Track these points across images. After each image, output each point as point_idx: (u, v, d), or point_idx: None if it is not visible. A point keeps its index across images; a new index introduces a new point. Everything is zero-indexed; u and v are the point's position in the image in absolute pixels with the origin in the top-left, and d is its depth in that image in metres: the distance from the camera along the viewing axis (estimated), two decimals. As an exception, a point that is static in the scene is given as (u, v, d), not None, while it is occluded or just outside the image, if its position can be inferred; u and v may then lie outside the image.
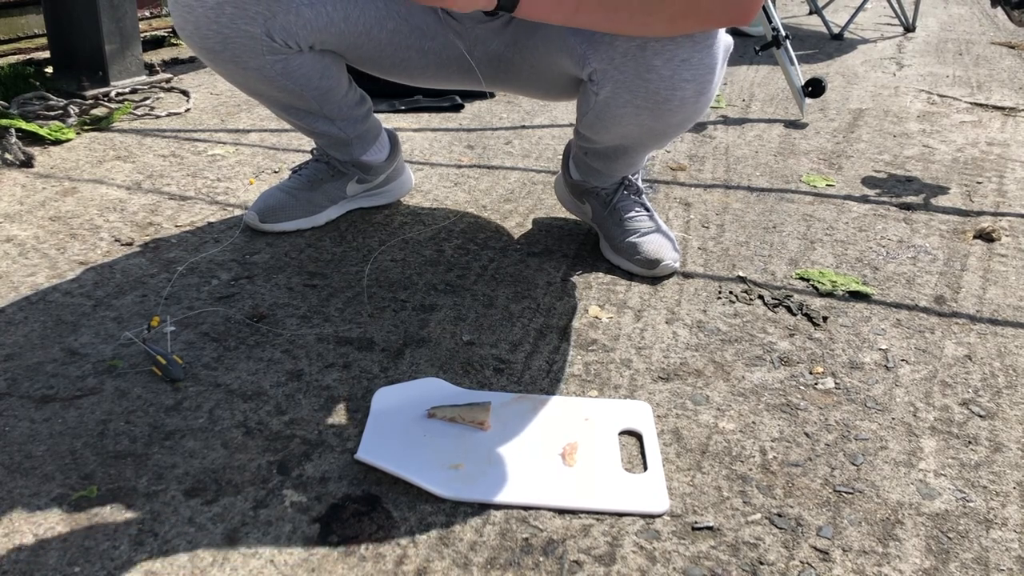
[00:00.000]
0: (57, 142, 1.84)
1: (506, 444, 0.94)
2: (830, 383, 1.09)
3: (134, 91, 2.19)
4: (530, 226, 1.51)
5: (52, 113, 1.96)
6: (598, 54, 1.10)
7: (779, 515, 0.87)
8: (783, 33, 2.17)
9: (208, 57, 1.22)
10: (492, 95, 2.34)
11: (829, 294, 1.31)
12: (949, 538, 0.84)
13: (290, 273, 1.31)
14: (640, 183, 1.40)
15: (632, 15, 1.01)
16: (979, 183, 1.79)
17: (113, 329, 1.14)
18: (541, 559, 0.80)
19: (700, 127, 2.13)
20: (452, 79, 1.34)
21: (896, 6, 3.49)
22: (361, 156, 1.45)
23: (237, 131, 1.98)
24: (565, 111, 2.21)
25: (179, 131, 1.96)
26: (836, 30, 3.29)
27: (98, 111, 2.04)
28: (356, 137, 1.42)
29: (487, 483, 0.88)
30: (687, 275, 1.35)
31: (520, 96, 2.34)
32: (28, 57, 2.34)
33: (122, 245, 1.38)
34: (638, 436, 0.97)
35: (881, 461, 0.95)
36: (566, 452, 0.93)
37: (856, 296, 1.31)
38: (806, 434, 0.99)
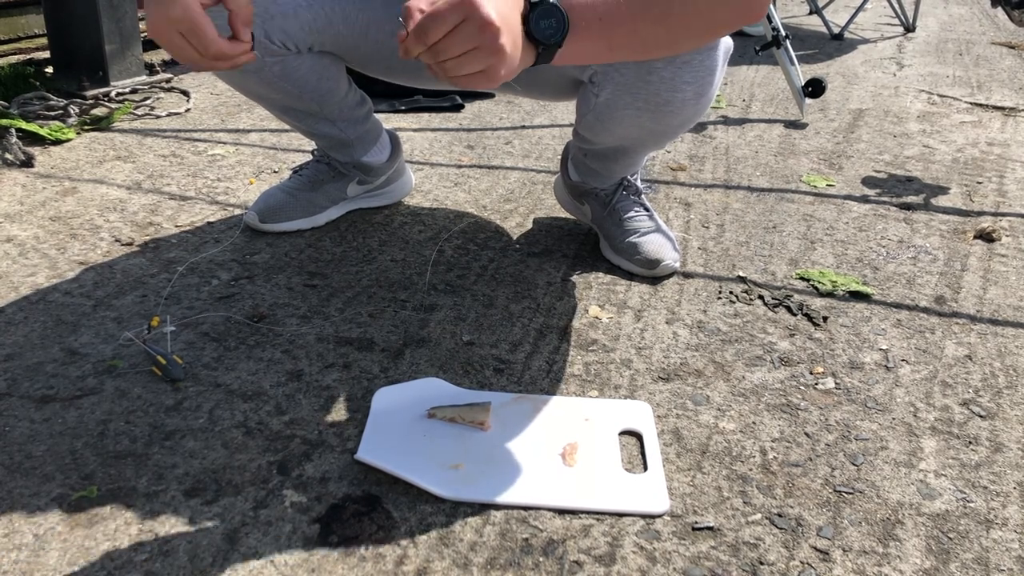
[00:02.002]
0: (57, 142, 1.84)
1: (506, 444, 0.94)
2: (830, 383, 1.09)
3: (134, 91, 2.19)
4: (530, 226, 1.51)
5: (52, 113, 1.96)
6: None
7: (779, 515, 0.87)
8: (783, 33, 2.17)
9: None
10: (492, 95, 2.34)
11: (829, 294, 1.31)
12: (949, 538, 0.84)
13: (290, 273, 1.31)
14: (639, 183, 1.40)
15: (659, 47, 0.98)
16: (979, 183, 1.79)
17: (113, 329, 1.14)
18: (541, 559, 0.80)
19: (700, 127, 2.13)
20: None
21: (896, 6, 3.49)
22: (362, 157, 1.45)
23: (237, 131, 1.98)
24: (565, 111, 2.21)
25: (179, 131, 1.96)
26: (836, 30, 3.29)
27: (98, 111, 2.04)
28: (357, 138, 1.42)
29: (487, 483, 0.88)
30: (687, 275, 1.35)
31: (519, 97, 2.35)
32: (28, 57, 2.34)
33: (122, 245, 1.38)
34: (638, 436, 0.97)
35: (881, 461, 0.95)
36: (566, 452, 0.93)
37: (856, 296, 1.31)
38: (806, 434, 0.99)
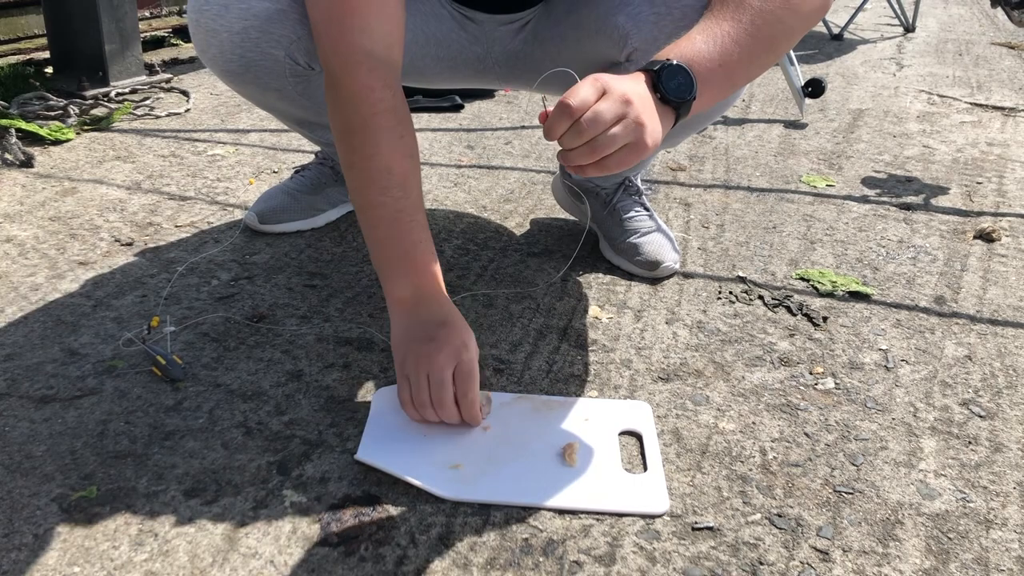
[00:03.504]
0: (57, 142, 1.84)
1: (506, 444, 0.94)
2: (830, 383, 1.09)
3: (134, 91, 2.19)
4: (530, 226, 1.51)
5: (52, 113, 1.96)
6: (641, 33, 1.07)
7: (779, 515, 0.87)
8: (783, 33, 2.17)
9: (229, 80, 1.20)
10: (492, 95, 2.34)
11: (829, 294, 1.31)
12: (949, 538, 0.84)
13: (290, 273, 1.31)
14: (639, 183, 1.40)
15: (767, 66, 1.01)
16: (979, 183, 1.79)
17: (113, 329, 1.14)
18: (541, 559, 0.80)
19: (700, 127, 2.13)
20: (465, 80, 1.34)
21: (896, 6, 3.49)
22: None
23: (237, 131, 1.98)
24: (565, 111, 2.21)
25: (179, 131, 1.96)
26: (836, 30, 3.29)
27: (98, 111, 2.04)
28: None
29: (487, 483, 0.88)
30: (687, 275, 1.35)
31: (526, 93, 2.35)
32: (28, 57, 2.34)
33: (122, 245, 1.38)
34: (638, 436, 0.97)
35: (881, 461, 0.95)
36: (566, 452, 0.93)
37: (856, 296, 1.31)
38: (806, 434, 0.99)
